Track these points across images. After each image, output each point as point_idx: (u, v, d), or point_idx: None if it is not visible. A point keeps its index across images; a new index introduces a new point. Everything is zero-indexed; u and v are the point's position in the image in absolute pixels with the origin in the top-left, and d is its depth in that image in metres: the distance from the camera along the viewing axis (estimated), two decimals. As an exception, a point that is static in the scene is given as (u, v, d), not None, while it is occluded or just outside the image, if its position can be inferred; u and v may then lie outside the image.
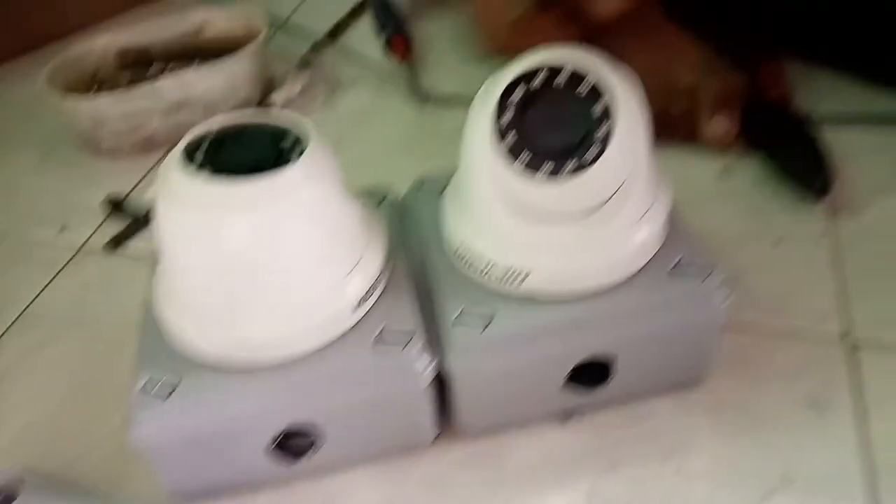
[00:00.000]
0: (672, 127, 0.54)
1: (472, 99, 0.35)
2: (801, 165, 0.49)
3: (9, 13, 0.75)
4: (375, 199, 0.42)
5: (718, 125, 0.53)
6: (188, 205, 0.30)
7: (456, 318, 0.34)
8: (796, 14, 0.58)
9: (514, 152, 0.33)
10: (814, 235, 0.48)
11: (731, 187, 0.52)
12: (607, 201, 0.33)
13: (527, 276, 0.34)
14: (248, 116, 0.34)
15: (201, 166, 0.31)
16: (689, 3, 0.61)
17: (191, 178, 0.31)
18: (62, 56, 0.63)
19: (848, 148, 0.53)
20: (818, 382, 0.40)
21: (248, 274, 0.32)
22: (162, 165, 0.33)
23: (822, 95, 0.59)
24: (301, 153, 0.32)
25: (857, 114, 0.56)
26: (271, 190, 0.31)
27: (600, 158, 0.32)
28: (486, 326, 0.34)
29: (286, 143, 0.33)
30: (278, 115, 0.34)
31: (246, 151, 0.32)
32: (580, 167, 0.32)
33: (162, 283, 0.35)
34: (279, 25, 0.72)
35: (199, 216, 0.30)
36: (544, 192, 0.33)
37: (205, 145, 0.32)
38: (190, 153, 0.32)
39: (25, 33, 0.77)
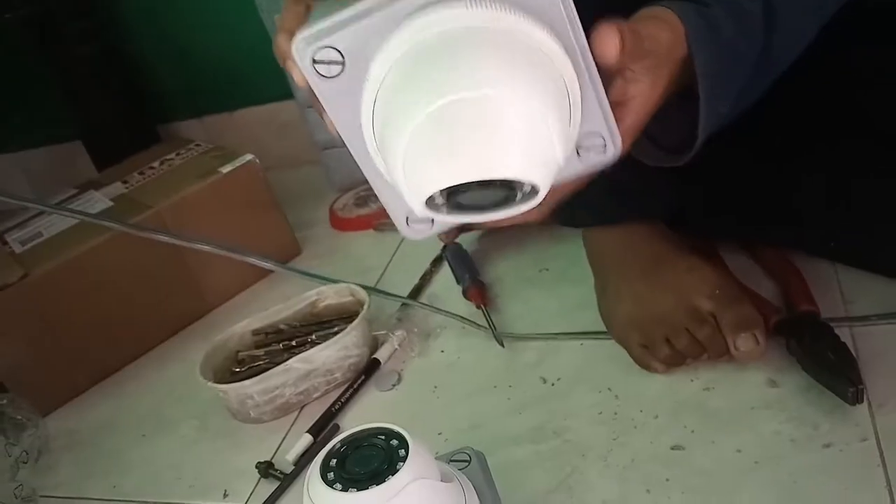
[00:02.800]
0: (703, 349, 0.62)
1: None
2: (832, 377, 0.56)
3: (155, 305, 0.92)
4: (463, 461, 0.52)
5: (744, 344, 0.60)
6: None
7: None
8: (819, 221, 0.66)
9: None
10: (858, 436, 0.54)
11: (777, 396, 0.59)
12: None
13: None
14: (360, 430, 0.46)
15: (333, 481, 0.43)
16: (718, 217, 0.71)
17: (327, 491, 0.42)
18: (211, 344, 0.79)
19: (880, 344, 0.60)
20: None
21: None
22: (306, 478, 0.44)
23: (850, 295, 0.66)
24: (405, 455, 0.43)
25: (887, 311, 0.62)
26: (386, 493, 0.41)
27: None
28: None
29: (392, 446, 0.44)
30: (381, 425, 0.46)
31: (363, 461, 0.44)
32: None
33: None
34: (370, 289, 0.86)
35: None
36: None
37: (332, 461, 0.44)
38: (324, 470, 0.44)
39: (171, 319, 0.94)
